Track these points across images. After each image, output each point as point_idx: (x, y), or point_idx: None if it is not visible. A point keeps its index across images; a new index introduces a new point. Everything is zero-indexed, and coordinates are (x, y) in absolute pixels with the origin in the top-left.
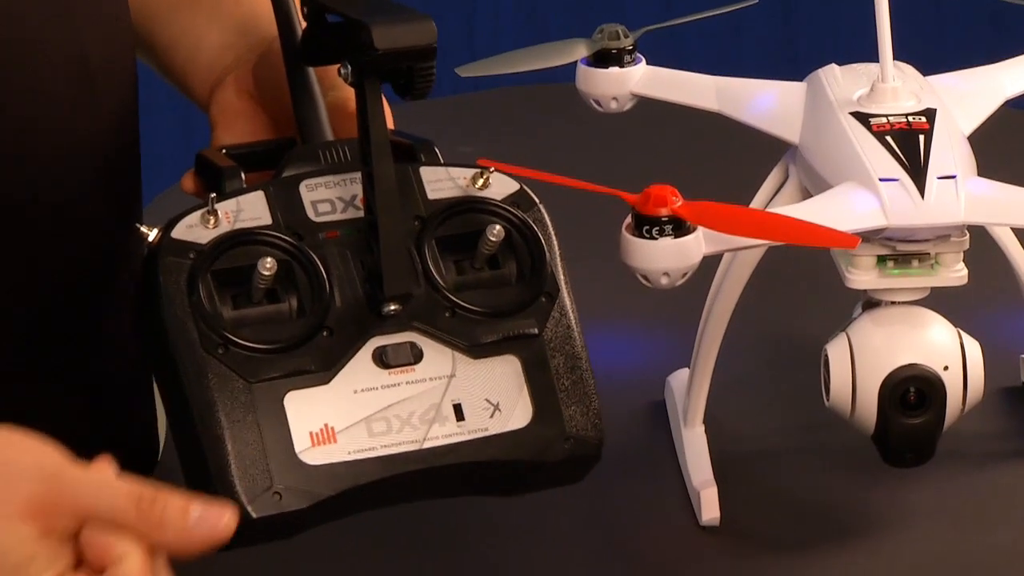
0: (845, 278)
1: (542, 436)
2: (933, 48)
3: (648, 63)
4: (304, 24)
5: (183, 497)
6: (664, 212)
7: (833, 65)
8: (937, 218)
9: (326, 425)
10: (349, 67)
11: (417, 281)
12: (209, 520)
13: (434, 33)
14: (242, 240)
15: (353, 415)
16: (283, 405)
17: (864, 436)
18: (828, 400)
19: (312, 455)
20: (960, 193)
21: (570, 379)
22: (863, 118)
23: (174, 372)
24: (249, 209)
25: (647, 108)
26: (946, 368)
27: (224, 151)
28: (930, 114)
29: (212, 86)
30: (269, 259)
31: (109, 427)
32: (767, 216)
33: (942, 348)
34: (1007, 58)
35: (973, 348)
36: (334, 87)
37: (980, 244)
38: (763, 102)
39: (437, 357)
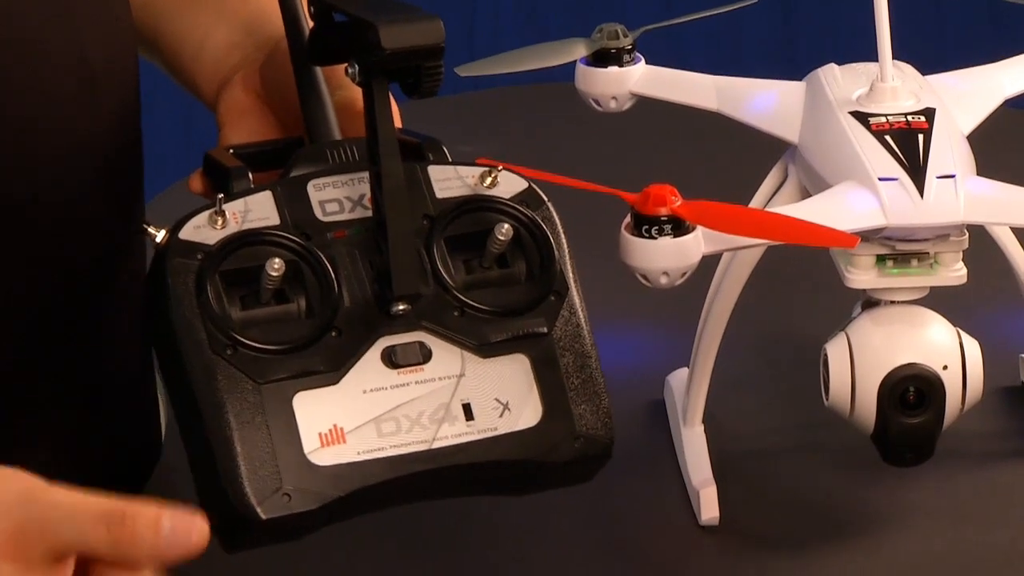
0: (844, 277)
1: (552, 435)
2: (932, 48)
3: (647, 63)
4: (311, 23)
5: (153, 510)
6: (663, 212)
7: (832, 65)
8: (936, 217)
9: (335, 426)
10: (356, 67)
11: (426, 280)
12: (180, 532)
13: (442, 32)
14: (250, 240)
15: (362, 415)
16: (292, 406)
17: (863, 435)
18: (827, 399)
19: (321, 456)
20: (959, 192)
21: (580, 378)
22: (862, 117)
23: (182, 373)
24: (257, 209)
25: (646, 108)
26: (945, 367)
27: (231, 151)
28: (929, 113)
29: (219, 85)
30: (277, 260)
31: (109, 427)
32: (766, 216)
33: (941, 347)
34: (1006, 57)
35: (972, 347)
36: (341, 86)
37: (979, 244)
38: (762, 102)
39: (446, 356)
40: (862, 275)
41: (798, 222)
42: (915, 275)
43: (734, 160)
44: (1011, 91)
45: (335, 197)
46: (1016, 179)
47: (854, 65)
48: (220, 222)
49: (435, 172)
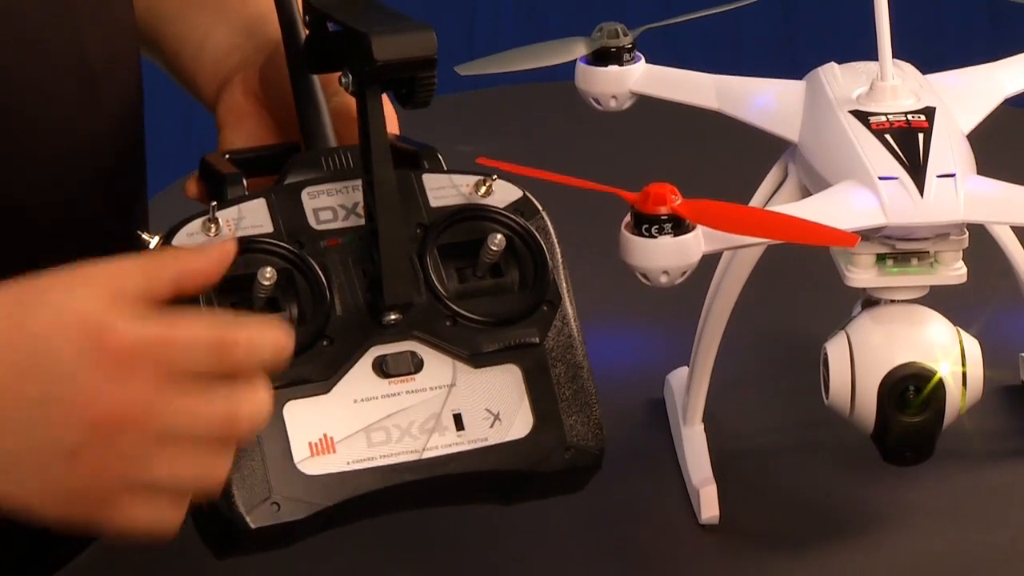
0: (844, 276)
1: (542, 446)
2: (932, 47)
3: (647, 61)
4: (307, 31)
5: (244, 333)
6: (663, 210)
7: (832, 64)
8: (936, 216)
9: (325, 435)
10: (349, 76)
11: (418, 289)
12: (271, 345)
13: (434, 44)
14: (243, 248)
15: (352, 425)
16: (282, 414)
17: (863, 434)
18: (827, 398)
19: (311, 465)
20: (959, 191)
21: (571, 388)
22: (862, 116)
23: None
24: (250, 216)
25: (646, 107)
26: (945, 367)
27: (228, 156)
28: (929, 112)
29: (219, 86)
30: (269, 269)
31: None
32: (766, 215)
33: (941, 347)
34: (1006, 56)
35: (972, 347)
36: (337, 92)
37: (979, 243)
38: (762, 101)
39: (437, 366)
40: (862, 274)
41: (798, 221)
42: (915, 274)
43: (734, 159)
44: (1011, 90)
45: (329, 205)
46: (1016, 178)
47: (854, 64)
48: (214, 230)
49: (430, 180)
